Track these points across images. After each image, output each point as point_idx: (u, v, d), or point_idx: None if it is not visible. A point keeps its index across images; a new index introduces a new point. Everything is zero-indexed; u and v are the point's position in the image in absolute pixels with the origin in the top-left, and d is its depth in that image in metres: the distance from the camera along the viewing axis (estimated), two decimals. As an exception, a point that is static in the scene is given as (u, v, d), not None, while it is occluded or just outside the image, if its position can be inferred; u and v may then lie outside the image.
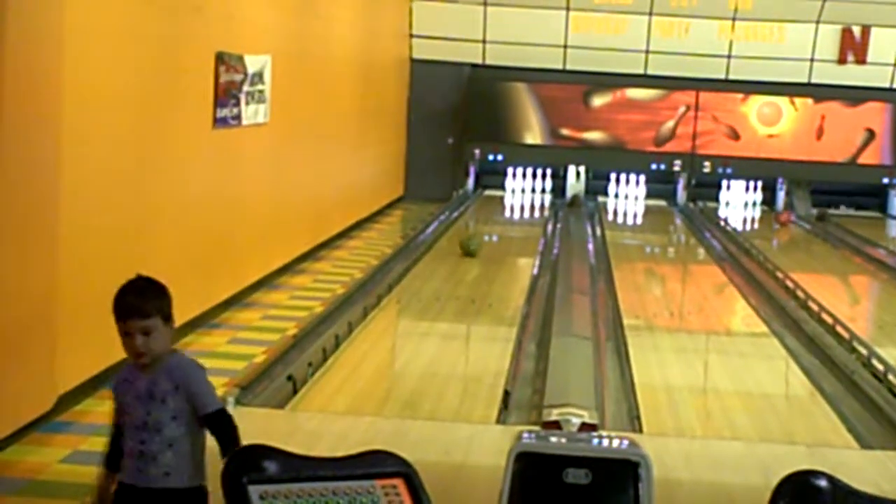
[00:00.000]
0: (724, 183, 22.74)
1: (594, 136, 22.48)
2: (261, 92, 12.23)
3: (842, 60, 22.29)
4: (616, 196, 22.71)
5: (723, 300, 13.63)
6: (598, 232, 17.81)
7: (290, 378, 8.16)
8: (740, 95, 22.36)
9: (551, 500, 3.47)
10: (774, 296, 12.74)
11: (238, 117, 11.55)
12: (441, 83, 22.38)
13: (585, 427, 7.08)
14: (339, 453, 2.83)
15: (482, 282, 13.04)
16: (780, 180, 22.52)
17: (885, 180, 22.43)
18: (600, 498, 3.58)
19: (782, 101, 22.37)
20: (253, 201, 12.32)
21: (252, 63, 11.87)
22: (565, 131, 22.44)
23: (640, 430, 7.48)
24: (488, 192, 22.39)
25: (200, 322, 10.62)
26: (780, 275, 13.85)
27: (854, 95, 22.28)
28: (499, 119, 22.41)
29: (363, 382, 8.58)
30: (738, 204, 22.71)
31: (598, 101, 22.44)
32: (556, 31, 22.31)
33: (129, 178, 8.98)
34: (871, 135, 22.30)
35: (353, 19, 17.27)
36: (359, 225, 18.04)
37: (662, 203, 22.41)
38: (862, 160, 22.39)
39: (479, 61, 22.46)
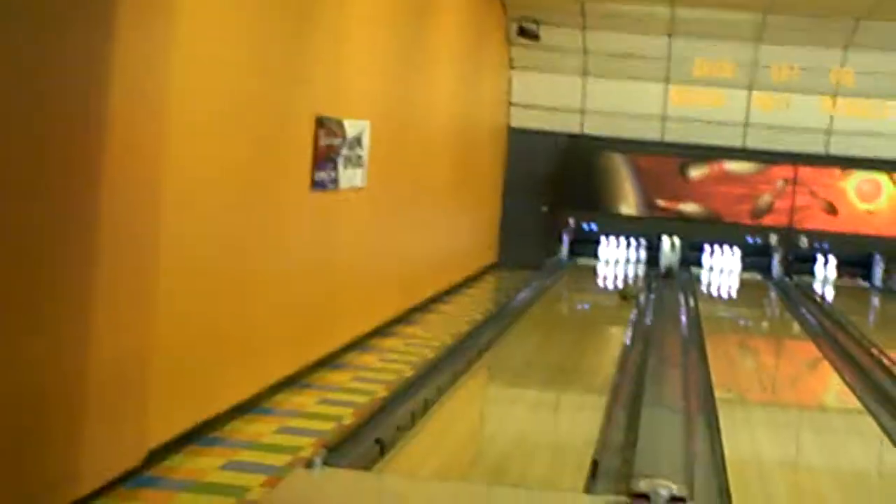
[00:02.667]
0: (821, 258, 22.53)
1: (690, 207, 22.39)
2: (359, 157, 12.34)
3: (943, 138, 22.06)
4: (711, 269, 22.58)
5: (816, 375, 13.46)
6: (692, 303, 17.69)
7: (378, 441, 8.16)
8: (839, 171, 22.18)
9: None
10: (870, 373, 12.56)
11: (335, 181, 11.65)
12: (538, 151, 22.47)
13: (674, 500, 7.01)
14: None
15: (574, 350, 12.99)
16: (875, 256, 22.26)
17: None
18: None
19: (882, 178, 22.15)
20: (348, 263, 12.41)
21: (351, 127, 12.00)
22: (661, 202, 22.38)
23: (730, 506, 7.38)
24: (582, 261, 22.36)
25: (292, 382, 10.69)
26: (875, 351, 13.65)
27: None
28: (594, 188, 22.42)
29: (451, 448, 8.57)
30: (833, 279, 22.50)
31: (695, 172, 22.37)
32: (654, 102, 22.34)
33: (229, 238, 9.09)
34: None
35: (454, 86, 17.40)
36: (452, 290, 18.07)
37: (758, 276, 22.23)
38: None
39: (577, 131, 22.52)
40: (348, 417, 9.63)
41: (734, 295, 20.90)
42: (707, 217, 22.38)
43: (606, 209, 22.49)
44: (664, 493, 7.13)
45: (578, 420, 9.57)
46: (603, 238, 22.70)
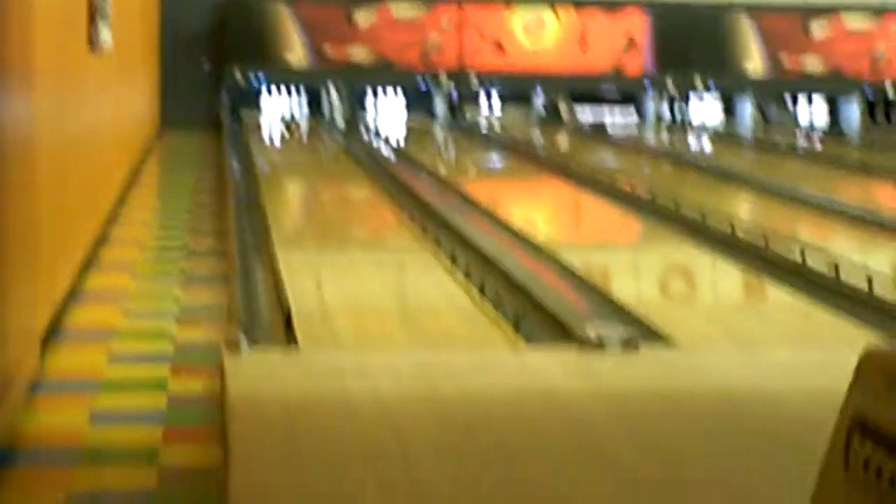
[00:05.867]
0: (490, 96, 22.60)
1: (360, 54, 21.87)
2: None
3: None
4: (377, 115, 22.22)
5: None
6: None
7: (285, 314, 7.40)
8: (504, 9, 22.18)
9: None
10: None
11: None
12: (196, 6, 21.45)
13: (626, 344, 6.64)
14: None
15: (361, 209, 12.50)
16: (537, 89, 22.48)
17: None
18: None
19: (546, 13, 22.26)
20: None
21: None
22: (329, 51, 21.80)
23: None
24: (251, 115, 21.52)
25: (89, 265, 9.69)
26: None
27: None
28: (259, 41, 21.59)
29: (359, 310, 7.95)
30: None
31: (363, 19, 21.83)
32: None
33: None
34: (631, 43, 22.48)
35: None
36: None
37: (427, 120, 22.10)
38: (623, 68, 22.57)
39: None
40: (216, 297, 8.66)
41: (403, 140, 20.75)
42: (377, 64, 21.90)
43: (273, 61, 21.68)
44: (615, 337, 6.70)
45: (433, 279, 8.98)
46: (270, 91, 21.88)
